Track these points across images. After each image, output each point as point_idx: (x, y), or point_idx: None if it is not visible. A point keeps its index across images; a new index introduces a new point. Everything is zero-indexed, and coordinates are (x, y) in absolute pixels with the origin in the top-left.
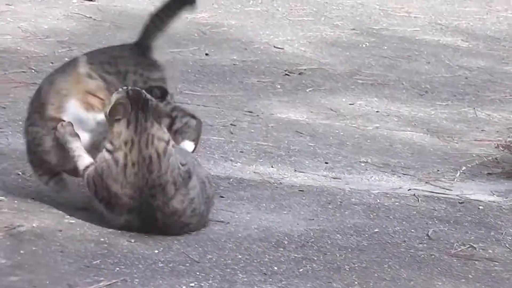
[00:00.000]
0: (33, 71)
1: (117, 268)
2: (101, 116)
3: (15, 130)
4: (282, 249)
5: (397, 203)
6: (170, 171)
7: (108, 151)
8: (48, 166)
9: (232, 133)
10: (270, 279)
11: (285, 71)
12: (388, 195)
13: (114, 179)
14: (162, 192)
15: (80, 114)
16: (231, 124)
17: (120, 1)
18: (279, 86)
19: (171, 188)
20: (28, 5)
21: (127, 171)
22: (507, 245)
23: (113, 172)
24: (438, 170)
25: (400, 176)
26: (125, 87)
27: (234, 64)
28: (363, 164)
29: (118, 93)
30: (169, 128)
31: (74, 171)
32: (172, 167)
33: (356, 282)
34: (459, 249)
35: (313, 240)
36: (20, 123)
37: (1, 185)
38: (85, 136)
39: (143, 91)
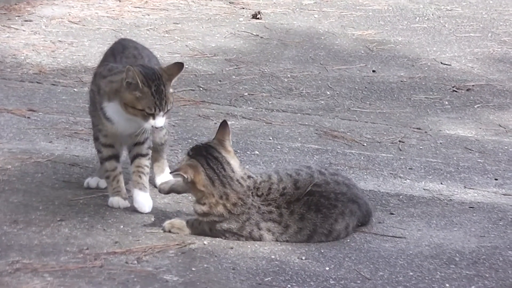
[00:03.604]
0: (201, 89)
1: (289, 286)
2: None
3: (185, 147)
4: (453, 266)
5: None
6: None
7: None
8: None
9: (400, 150)
10: None
11: (453, 87)
12: None
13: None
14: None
15: None
16: (399, 141)
17: (286, 18)
18: (447, 103)
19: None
20: (195, 24)
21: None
22: None
23: (226, 221)
24: None
25: None
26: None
27: (401, 81)
28: None
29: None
30: None
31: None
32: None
33: None
34: None
35: (484, 257)
36: (190, 141)
37: (172, 202)
38: None
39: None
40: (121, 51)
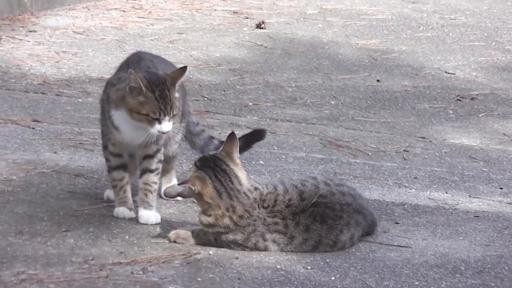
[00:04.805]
0: (206, 99)
1: None
2: None
3: (190, 158)
4: (459, 275)
5: None
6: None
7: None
8: None
9: (405, 159)
10: None
11: (457, 96)
12: None
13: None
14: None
15: None
16: (404, 150)
17: (290, 28)
18: (451, 112)
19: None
20: (199, 34)
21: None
22: None
23: (232, 232)
24: None
25: None
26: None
27: (405, 90)
28: None
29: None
30: None
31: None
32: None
33: None
34: None
35: (490, 266)
36: (195, 151)
37: (177, 212)
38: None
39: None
40: (136, 62)
